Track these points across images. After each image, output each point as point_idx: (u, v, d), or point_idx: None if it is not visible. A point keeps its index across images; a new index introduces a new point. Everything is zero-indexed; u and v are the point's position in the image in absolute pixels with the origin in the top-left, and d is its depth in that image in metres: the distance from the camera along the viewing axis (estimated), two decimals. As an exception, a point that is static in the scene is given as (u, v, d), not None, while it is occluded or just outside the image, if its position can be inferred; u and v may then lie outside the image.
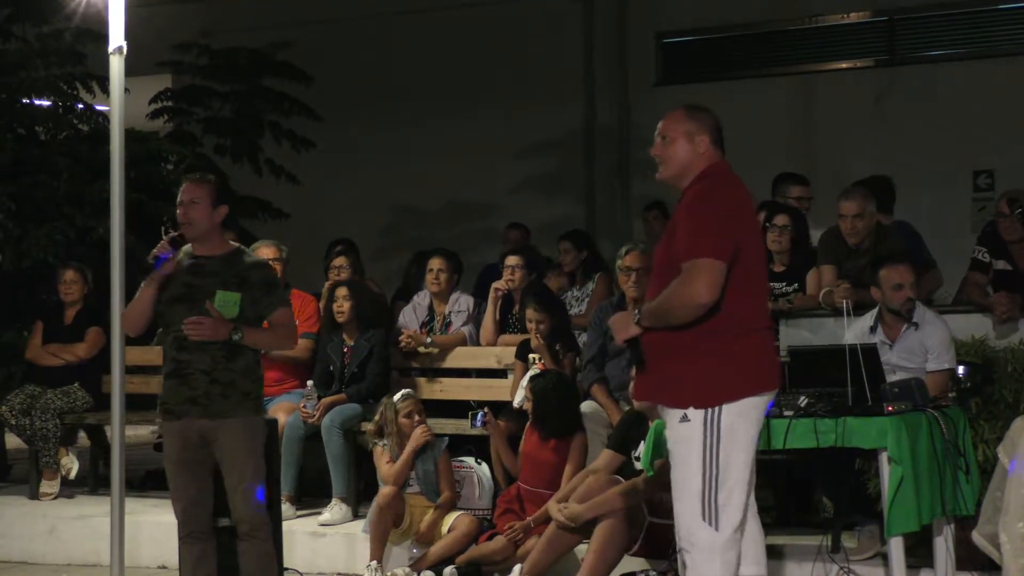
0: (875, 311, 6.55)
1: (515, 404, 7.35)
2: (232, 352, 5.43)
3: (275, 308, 5.54)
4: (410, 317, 8.52)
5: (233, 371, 5.44)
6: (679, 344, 4.59)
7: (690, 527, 4.59)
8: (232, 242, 5.64)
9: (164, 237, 5.55)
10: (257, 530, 5.45)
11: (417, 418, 7.11)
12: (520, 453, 7.06)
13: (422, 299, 8.56)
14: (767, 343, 4.76)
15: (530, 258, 8.35)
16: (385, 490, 6.92)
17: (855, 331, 6.47)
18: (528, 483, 6.91)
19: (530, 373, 7.21)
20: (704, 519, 4.55)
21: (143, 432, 10.91)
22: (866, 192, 7.38)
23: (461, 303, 8.42)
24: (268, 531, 5.51)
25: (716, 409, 4.55)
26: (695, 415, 4.56)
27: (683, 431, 4.59)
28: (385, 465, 7.09)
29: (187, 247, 5.58)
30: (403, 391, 7.29)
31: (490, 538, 6.83)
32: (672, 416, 4.64)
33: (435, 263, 8.41)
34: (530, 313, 7.55)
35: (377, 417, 7.25)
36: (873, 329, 6.49)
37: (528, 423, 7.06)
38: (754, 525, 4.84)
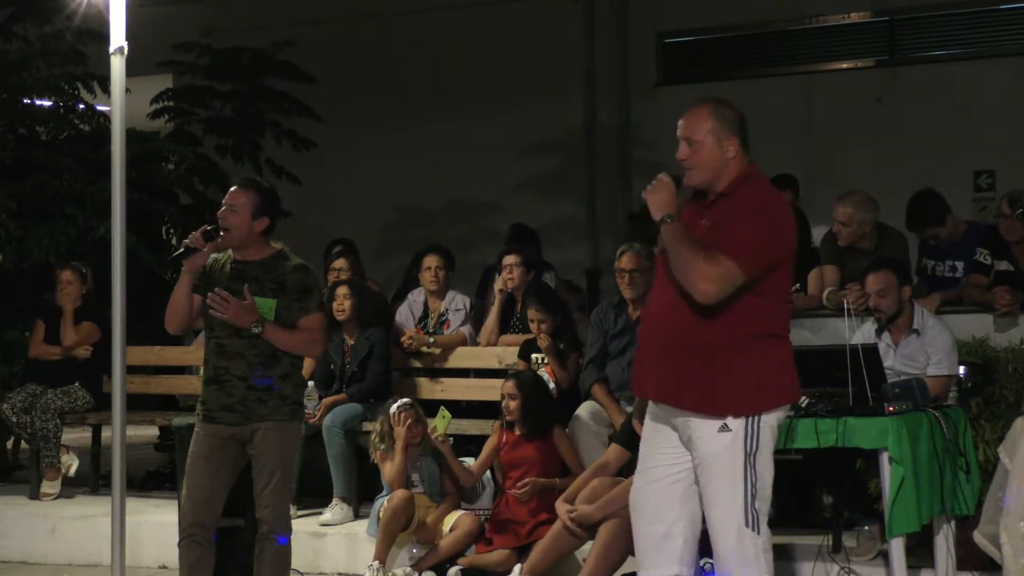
0: (881, 314, 6.56)
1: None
2: (270, 359, 5.42)
3: (305, 313, 5.47)
4: (406, 315, 8.53)
5: (271, 377, 5.43)
6: (712, 350, 4.44)
7: (737, 535, 4.47)
8: (274, 245, 5.61)
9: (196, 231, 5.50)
10: (277, 533, 5.45)
11: (414, 429, 7.07)
12: (500, 463, 7.04)
13: (417, 296, 8.57)
14: (792, 350, 4.67)
15: (528, 256, 8.34)
16: (399, 493, 6.90)
17: (862, 334, 6.47)
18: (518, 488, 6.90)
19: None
20: (748, 526, 4.45)
21: (146, 432, 10.92)
22: (861, 200, 7.37)
23: (458, 302, 8.43)
24: (288, 534, 5.51)
25: (756, 417, 4.44)
26: (735, 424, 4.43)
27: (723, 441, 4.44)
28: (388, 467, 7.10)
29: (229, 251, 5.56)
30: (400, 401, 7.21)
31: (487, 540, 6.84)
32: (705, 426, 4.47)
33: (432, 260, 8.42)
34: (531, 313, 7.56)
35: (378, 426, 7.24)
36: (879, 332, 6.49)
37: (499, 430, 7.06)
38: None
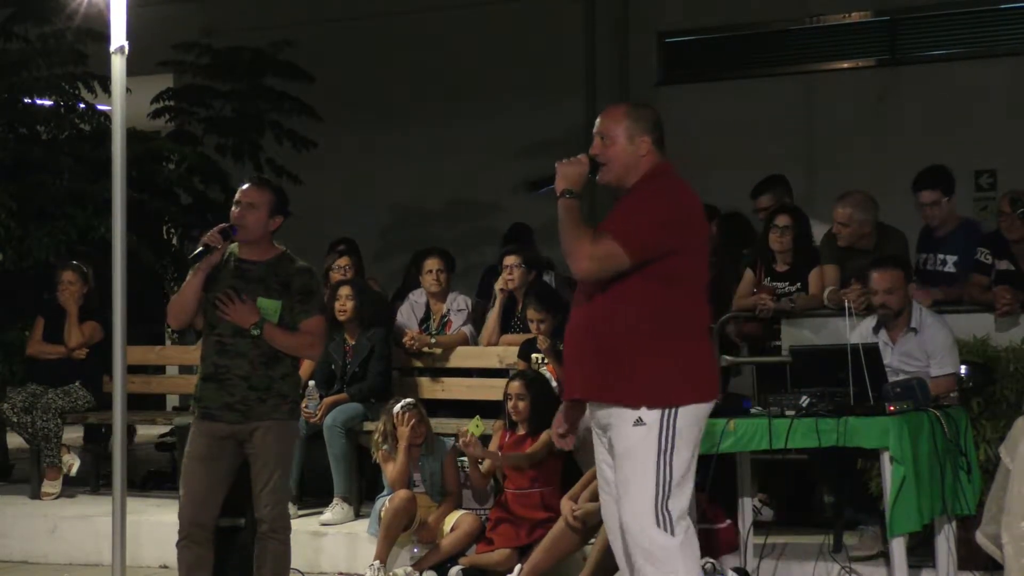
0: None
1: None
2: (271, 359, 5.44)
3: (307, 316, 5.48)
4: (408, 316, 8.53)
5: (271, 376, 5.44)
6: (628, 342, 4.38)
7: (646, 535, 4.35)
8: (278, 246, 5.61)
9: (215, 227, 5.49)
10: (276, 532, 5.46)
11: (417, 429, 7.06)
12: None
13: (419, 297, 8.56)
14: (712, 348, 4.61)
15: (528, 256, 8.34)
16: (402, 493, 6.90)
17: (860, 332, 6.47)
18: (516, 486, 6.89)
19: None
20: (659, 526, 4.33)
21: (149, 432, 10.91)
22: (861, 200, 7.36)
23: (460, 302, 8.43)
24: (288, 533, 5.52)
25: (672, 411, 4.35)
26: (650, 416, 4.34)
27: (637, 435, 4.36)
28: (390, 467, 7.10)
29: (234, 247, 5.55)
30: (403, 401, 7.21)
31: (488, 540, 6.84)
32: (621, 418, 4.40)
33: (434, 263, 8.41)
34: (531, 313, 7.55)
35: (381, 426, 7.23)
36: (876, 330, 6.49)
37: (501, 430, 7.05)
38: None
